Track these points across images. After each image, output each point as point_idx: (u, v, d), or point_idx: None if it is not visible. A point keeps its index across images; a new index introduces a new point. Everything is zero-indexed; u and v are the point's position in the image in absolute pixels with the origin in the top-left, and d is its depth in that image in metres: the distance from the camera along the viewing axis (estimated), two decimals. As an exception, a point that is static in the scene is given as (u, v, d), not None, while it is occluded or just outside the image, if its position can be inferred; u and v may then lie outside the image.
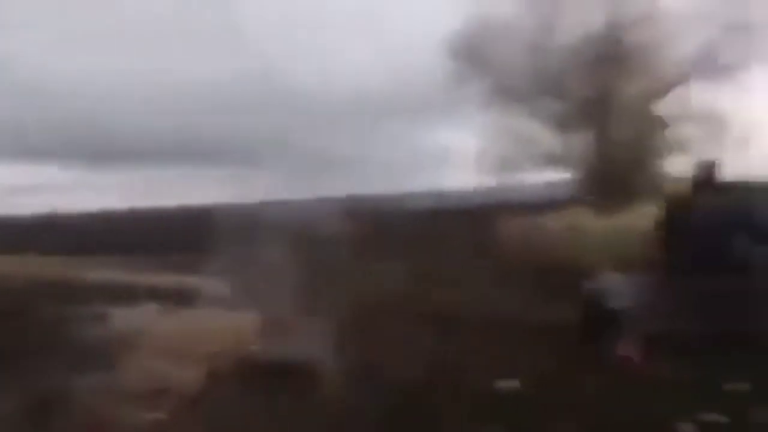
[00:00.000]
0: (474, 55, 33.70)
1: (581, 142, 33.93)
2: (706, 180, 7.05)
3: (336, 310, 9.80)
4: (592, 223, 28.49)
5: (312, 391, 6.93)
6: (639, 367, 6.74)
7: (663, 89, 32.56)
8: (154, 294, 13.25)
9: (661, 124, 33.36)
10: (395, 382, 7.27)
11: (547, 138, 34.80)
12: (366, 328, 9.71)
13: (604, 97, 32.87)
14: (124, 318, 10.91)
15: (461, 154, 41.78)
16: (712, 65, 31.30)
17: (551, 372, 7.17)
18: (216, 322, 10.15)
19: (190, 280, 14.53)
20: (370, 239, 23.87)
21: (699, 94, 32.02)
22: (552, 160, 34.97)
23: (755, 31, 30.00)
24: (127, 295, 13.25)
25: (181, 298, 12.54)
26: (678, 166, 35.78)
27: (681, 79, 32.08)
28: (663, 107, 33.30)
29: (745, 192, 7.15)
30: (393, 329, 9.69)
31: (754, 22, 29.84)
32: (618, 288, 7.82)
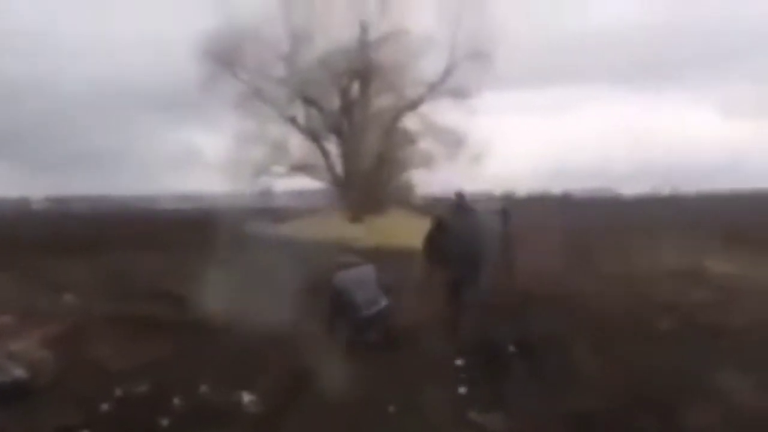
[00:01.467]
0: (227, 58, 33.26)
1: (331, 151, 34.79)
2: (458, 203, 8.89)
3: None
4: (340, 228, 29.32)
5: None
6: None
7: (408, 106, 34.45)
8: None
9: (406, 138, 35.26)
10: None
11: (299, 145, 35.26)
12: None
13: (353, 109, 34.02)
14: None
15: (212, 157, 40.99)
16: (451, 87, 33.87)
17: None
18: None
19: None
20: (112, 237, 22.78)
21: (440, 113, 34.47)
22: (302, 167, 35.48)
23: (488, 59, 32.97)
24: None
25: None
26: (421, 179, 38.56)
27: (424, 97, 34.22)
28: (407, 123, 35.29)
29: (481, 213, 9.02)
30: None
31: (488, 51, 32.78)
32: (352, 285, 8.37)
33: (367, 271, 9.00)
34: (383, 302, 8.58)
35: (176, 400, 6.18)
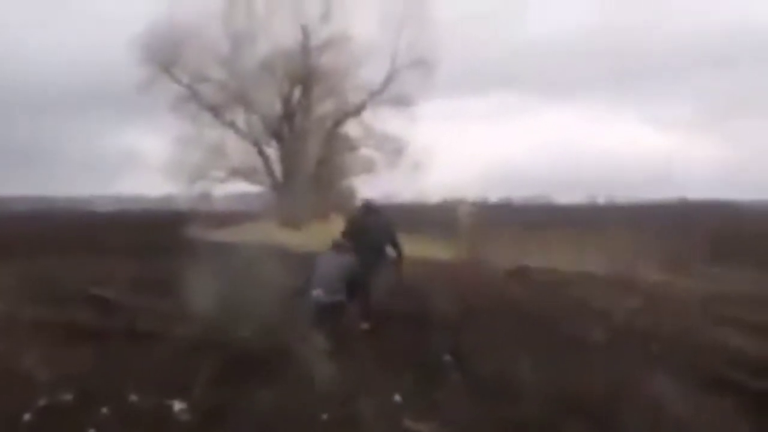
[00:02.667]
0: (165, 59, 32.77)
1: (271, 156, 34.56)
2: (367, 206, 10.82)
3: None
4: (279, 234, 29.10)
5: None
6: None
7: (349, 112, 34.51)
8: None
9: (347, 144, 35.31)
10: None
11: (238, 150, 34.93)
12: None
13: (294, 115, 33.88)
14: None
15: (151, 160, 40.33)
16: (393, 94, 34.10)
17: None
18: None
19: None
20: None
21: (381, 120, 34.67)
22: (242, 172, 35.16)
23: (430, 67, 33.30)
24: None
25: None
26: (363, 185, 38.69)
27: (365, 104, 34.33)
28: (349, 129, 35.37)
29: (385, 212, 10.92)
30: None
31: (430, 60, 33.12)
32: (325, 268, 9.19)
33: (345, 261, 9.26)
34: (340, 297, 8.82)
35: (104, 410, 5.99)
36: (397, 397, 6.30)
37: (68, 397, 6.22)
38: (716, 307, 11.26)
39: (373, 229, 10.17)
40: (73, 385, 6.41)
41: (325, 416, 5.88)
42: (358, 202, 11.67)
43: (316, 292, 8.79)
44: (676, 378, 6.73)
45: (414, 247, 21.94)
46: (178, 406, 6.21)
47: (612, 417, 5.81)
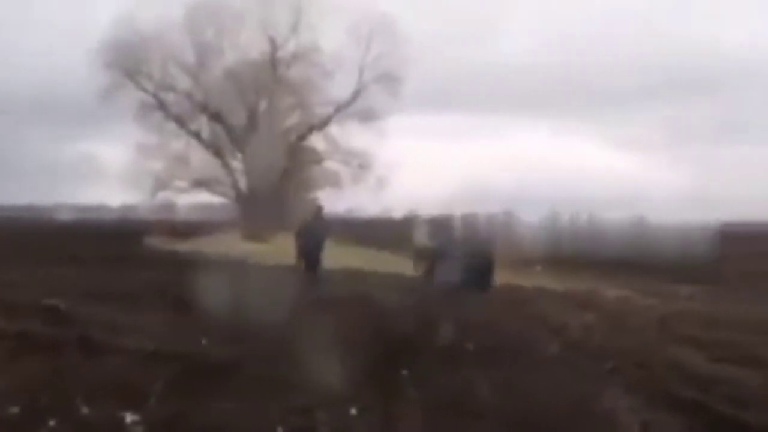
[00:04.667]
0: (130, 67, 32.43)
1: (236, 167, 34.36)
2: (316, 213, 14.70)
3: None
4: (242, 246, 28.87)
5: None
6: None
7: (315, 125, 34.47)
8: None
9: (312, 157, 35.24)
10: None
11: (202, 160, 34.67)
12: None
13: (259, 126, 33.73)
14: None
15: (112, 169, 39.79)
16: (360, 108, 34.17)
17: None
18: None
19: None
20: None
21: (347, 134, 34.71)
22: (205, 183, 34.88)
23: (397, 84, 33.49)
24: None
25: None
26: (328, 198, 38.58)
27: (332, 118, 34.35)
28: (315, 142, 35.32)
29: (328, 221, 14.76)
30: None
31: (398, 75, 33.30)
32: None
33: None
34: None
35: (52, 423, 5.85)
36: (353, 410, 6.26)
37: (15, 410, 6.07)
38: (672, 324, 11.40)
39: (317, 233, 14.24)
40: (21, 398, 6.25)
41: (280, 429, 5.82)
42: (313, 206, 14.52)
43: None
44: (628, 395, 6.80)
45: (373, 261, 22.10)
46: (130, 418, 6.10)
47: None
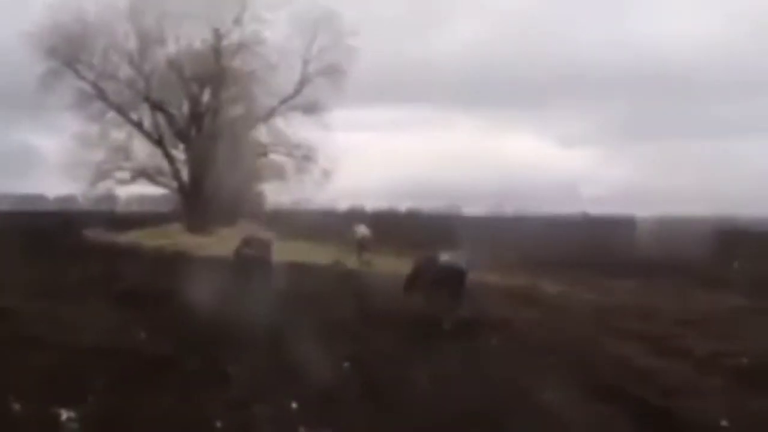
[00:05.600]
0: (70, 54, 31.53)
1: (179, 158, 33.80)
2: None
3: None
4: (184, 239, 28.49)
5: None
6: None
7: (259, 117, 34.11)
8: None
9: (256, 149, 34.86)
10: None
11: (144, 151, 34.00)
12: None
13: (202, 117, 33.23)
14: None
15: (51, 159, 38.69)
16: (304, 101, 33.97)
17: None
18: None
19: None
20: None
21: (291, 127, 34.47)
22: (147, 173, 34.22)
23: (341, 76, 33.39)
24: None
25: None
26: (272, 191, 38.28)
27: (276, 109, 34.04)
28: (259, 134, 34.95)
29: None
30: None
31: (342, 68, 33.21)
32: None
33: None
34: None
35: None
36: (294, 404, 6.26)
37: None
38: (610, 318, 11.68)
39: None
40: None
41: (219, 423, 5.78)
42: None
43: None
44: (567, 386, 6.95)
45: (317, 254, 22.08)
46: (65, 414, 5.98)
47: (504, 425, 5.95)
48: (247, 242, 14.38)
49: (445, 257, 10.88)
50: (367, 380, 7.07)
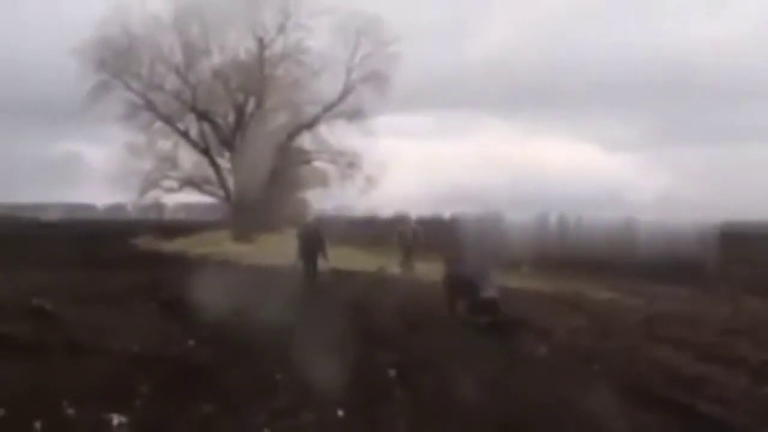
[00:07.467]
0: (119, 67, 32.27)
1: (224, 167, 34.26)
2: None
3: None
4: (230, 247, 28.83)
5: None
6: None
7: (303, 125, 34.40)
8: None
9: (300, 157, 35.17)
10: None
11: (190, 160, 34.59)
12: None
13: (247, 125, 33.64)
14: None
15: (100, 169, 39.56)
16: (348, 108, 34.16)
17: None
18: None
19: None
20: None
21: (334, 134, 34.70)
22: (193, 182, 34.77)
23: (385, 83, 33.51)
24: None
25: None
26: (316, 198, 38.53)
27: (320, 117, 34.30)
28: (303, 142, 35.27)
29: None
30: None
31: (387, 75, 33.35)
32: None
33: None
34: None
35: (38, 424, 5.84)
36: (340, 412, 6.28)
37: (0, 412, 6.05)
38: (658, 325, 11.47)
39: (311, 237, 15.23)
40: (7, 399, 6.23)
41: (266, 431, 5.83)
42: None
43: None
44: (616, 396, 6.85)
45: (362, 260, 22.07)
46: (117, 419, 6.09)
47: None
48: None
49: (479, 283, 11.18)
50: (414, 390, 7.05)
